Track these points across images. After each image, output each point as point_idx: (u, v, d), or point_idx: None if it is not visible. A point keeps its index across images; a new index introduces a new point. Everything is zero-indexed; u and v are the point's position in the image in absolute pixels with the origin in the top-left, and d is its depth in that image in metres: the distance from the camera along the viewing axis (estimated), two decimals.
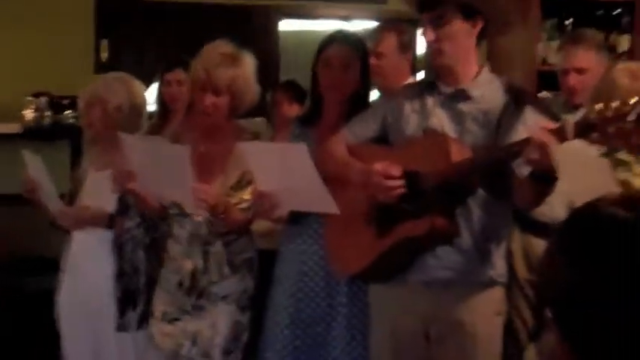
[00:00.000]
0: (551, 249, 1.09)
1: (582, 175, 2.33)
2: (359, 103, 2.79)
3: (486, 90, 2.41)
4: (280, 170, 2.46)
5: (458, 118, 2.40)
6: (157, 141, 2.90)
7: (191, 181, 2.56)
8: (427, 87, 2.49)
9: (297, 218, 2.79)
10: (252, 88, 2.76)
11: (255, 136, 2.84)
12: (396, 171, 2.32)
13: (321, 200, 2.42)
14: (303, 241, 2.81)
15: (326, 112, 2.88)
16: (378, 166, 2.34)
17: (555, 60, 3.57)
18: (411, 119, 2.47)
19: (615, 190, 1.98)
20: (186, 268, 2.76)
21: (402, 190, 2.32)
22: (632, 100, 1.88)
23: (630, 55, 4.31)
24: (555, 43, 4.09)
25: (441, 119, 2.41)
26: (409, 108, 2.48)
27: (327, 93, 2.83)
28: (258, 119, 4.28)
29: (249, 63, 2.75)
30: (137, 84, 3.13)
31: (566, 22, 4.35)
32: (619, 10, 4.36)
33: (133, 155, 2.69)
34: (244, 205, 2.72)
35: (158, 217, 2.89)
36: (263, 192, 2.52)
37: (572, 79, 3.35)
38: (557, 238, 1.08)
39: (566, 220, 1.11)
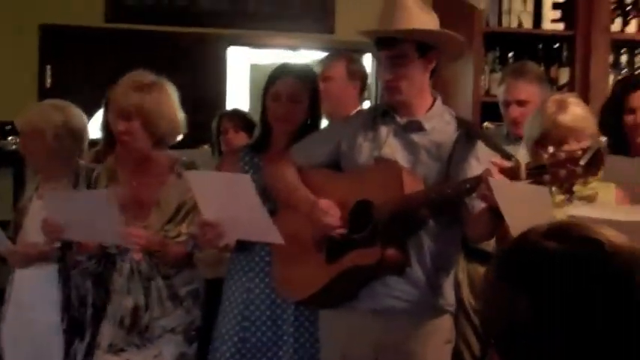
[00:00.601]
0: (485, 280, 1.12)
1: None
2: (307, 133, 2.81)
3: (439, 122, 2.46)
4: (224, 199, 2.46)
5: (411, 148, 2.43)
6: (74, 193, 2.91)
7: (118, 225, 2.59)
8: (381, 116, 2.52)
9: (243, 246, 2.78)
10: (166, 114, 2.77)
11: (189, 166, 2.83)
12: (338, 213, 2.35)
13: (265, 230, 2.43)
14: (250, 269, 2.80)
15: (275, 141, 2.88)
16: (323, 203, 2.36)
17: (498, 91, 3.66)
18: (363, 147, 2.49)
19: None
20: (126, 306, 2.76)
21: (340, 232, 2.35)
22: (584, 145, 1.95)
23: (571, 87, 4.43)
24: (498, 75, 4.19)
25: (394, 149, 2.44)
26: (362, 136, 2.50)
27: (275, 125, 2.85)
28: (203, 147, 4.27)
29: (162, 89, 2.78)
30: (75, 110, 3.09)
31: (509, 55, 4.45)
32: (559, 43, 4.48)
33: (55, 210, 2.72)
34: (183, 237, 2.72)
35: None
36: (207, 221, 2.51)
37: (514, 111, 3.43)
38: (490, 270, 1.11)
39: (497, 252, 1.14)
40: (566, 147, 2.02)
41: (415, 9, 2.41)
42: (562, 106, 2.44)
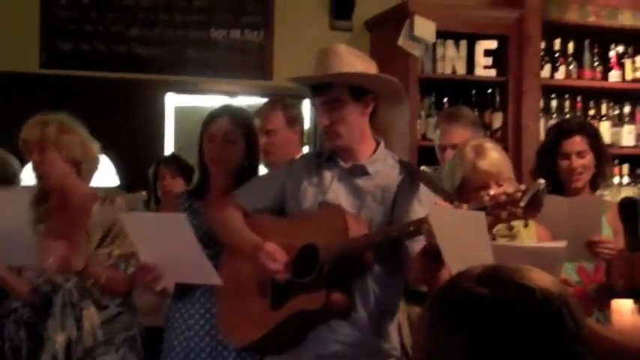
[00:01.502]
0: (420, 322, 1.14)
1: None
2: (245, 176, 2.82)
3: (383, 166, 2.48)
4: (160, 240, 2.42)
5: (356, 193, 2.45)
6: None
7: (33, 241, 2.51)
8: (325, 161, 2.54)
9: (183, 292, 2.75)
10: (76, 140, 2.80)
11: (108, 199, 2.82)
12: (283, 256, 2.35)
13: (203, 271, 2.40)
14: (189, 316, 2.76)
15: (213, 185, 2.88)
16: (269, 247, 2.36)
17: (434, 136, 3.73)
18: (308, 192, 2.50)
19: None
20: (60, 342, 2.70)
21: (284, 277, 2.35)
22: (524, 187, 2.00)
23: (504, 131, 4.55)
24: (433, 120, 4.28)
25: (338, 194, 2.45)
26: (307, 181, 2.52)
27: (212, 166, 2.85)
28: (141, 193, 4.23)
29: (65, 121, 2.81)
30: (9, 158, 3.06)
31: (444, 100, 4.55)
32: (491, 89, 4.61)
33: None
34: (112, 261, 2.72)
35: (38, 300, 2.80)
36: (145, 264, 2.48)
37: (449, 155, 3.50)
38: (424, 313, 1.13)
39: (432, 295, 1.16)
40: (497, 190, 2.07)
41: (348, 55, 2.46)
42: (480, 152, 2.51)
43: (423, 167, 4.35)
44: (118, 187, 4.16)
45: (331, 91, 2.42)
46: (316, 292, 2.30)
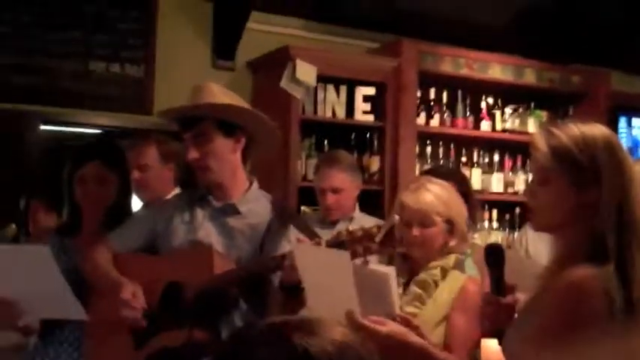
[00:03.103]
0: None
1: None
2: (118, 213, 2.76)
3: (255, 205, 2.50)
4: (22, 274, 2.31)
5: (226, 232, 2.45)
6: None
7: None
8: (198, 199, 2.52)
9: (50, 331, 2.64)
10: None
11: None
12: (139, 302, 2.32)
13: (67, 306, 2.32)
14: (57, 355, 2.65)
15: (85, 222, 2.81)
16: (126, 291, 2.33)
17: (314, 179, 3.77)
18: (179, 230, 2.48)
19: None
20: None
21: (140, 324, 2.32)
22: (380, 223, 2.08)
23: (381, 174, 4.66)
24: (314, 161, 4.34)
25: (209, 233, 2.44)
26: (179, 219, 2.50)
27: (84, 207, 2.79)
28: (10, 226, 4.05)
29: None
30: None
31: (324, 142, 4.63)
32: (369, 133, 4.72)
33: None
34: None
35: None
36: (3, 299, 2.36)
37: (330, 199, 3.57)
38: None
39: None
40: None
41: (219, 93, 2.47)
42: (414, 190, 2.48)
43: (303, 208, 4.39)
44: None
45: (200, 124, 2.42)
46: (180, 330, 2.28)
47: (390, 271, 2.08)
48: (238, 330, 1.16)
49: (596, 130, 1.79)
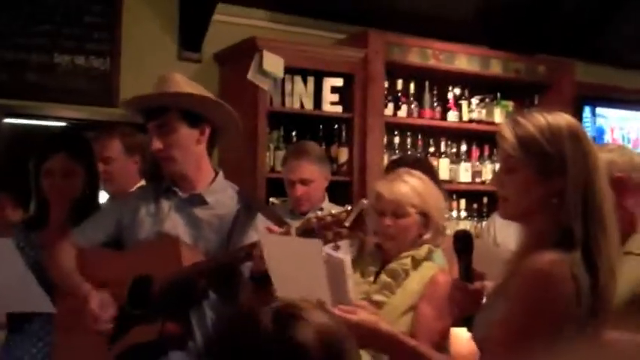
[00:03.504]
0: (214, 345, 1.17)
1: None
2: (85, 206, 2.74)
3: (221, 196, 2.48)
4: None
5: (193, 223, 2.43)
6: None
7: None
8: (164, 191, 2.50)
9: (19, 326, 2.62)
10: None
11: None
12: (107, 312, 2.32)
13: (34, 299, 2.30)
14: (25, 351, 2.63)
15: (52, 216, 2.78)
16: (94, 302, 2.33)
17: (282, 170, 3.77)
18: (145, 222, 2.46)
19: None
20: None
21: (109, 332, 2.32)
22: (349, 208, 2.07)
23: (349, 165, 4.67)
24: (282, 153, 4.34)
25: (176, 224, 2.43)
26: (144, 211, 2.48)
27: (51, 200, 2.76)
28: None
29: None
30: None
31: (292, 134, 4.62)
32: (337, 125, 4.73)
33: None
34: None
35: None
36: None
37: (298, 190, 3.57)
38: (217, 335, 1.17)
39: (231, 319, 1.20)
40: (333, 211, 2.13)
41: (183, 83, 2.45)
42: (390, 180, 2.50)
43: (271, 199, 4.39)
44: None
45: (163, 115, 2.40)
46: (151, 324, 2.27)
47: (346, 257, 2.08)
48: (222, 319, 1.18)
49: (562, 119, 1.82)
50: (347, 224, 2.03)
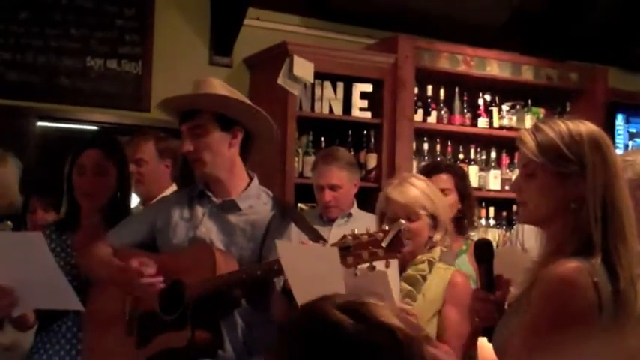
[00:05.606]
0: (279, 346, 1.13)
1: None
2: (117, 208, 2.75)
3: (255, 202, 2.48)
4: (16, 261, 2.28)
5: (226, 229, 2.43)
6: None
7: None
8: (198, 196, 2.51)
9: (47, 326, 2.64)
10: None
11: None
12: (152, 268, 2.30)
13: (62, 295, 2.30)
14: (55, 352, 2.65)
15: (84, 218, 2.79)
16: (135, 262, 2.31)
17: (311, 175, 3.77)
18: (179, 227, 2.46)
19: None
20: None
21: (160, 285, 2.30)
22: (387, 228, 2.04)
23: (378, 171, 4.66)
24: (311, 158, 4.34)
25: (209, 230, 2.43)
26: (178, 215, 2.48)
27: (82, 200, 2.77)
28: (6, 223, 4.03)
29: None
30: None
31: (321, 139, 4.62)
32: (367, 130, 4.72)
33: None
34: None
35: None
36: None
37: (327, 196, 3.57)
38: (281, 336, 1.13)
39: (294, 317, 1.16)
40: (370, 230, 2.10)
41: (218, 86, 2.46)
42: (399, 185, 2.51)
43: (300, 205, 4.39)
44: None
45: (197, 117, 2.40)
46: (181, 330, 2.27)
47: (387, 269, 2.08)
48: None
49: (583, 126, 1.81)
50: (384, 244, 2.02)
